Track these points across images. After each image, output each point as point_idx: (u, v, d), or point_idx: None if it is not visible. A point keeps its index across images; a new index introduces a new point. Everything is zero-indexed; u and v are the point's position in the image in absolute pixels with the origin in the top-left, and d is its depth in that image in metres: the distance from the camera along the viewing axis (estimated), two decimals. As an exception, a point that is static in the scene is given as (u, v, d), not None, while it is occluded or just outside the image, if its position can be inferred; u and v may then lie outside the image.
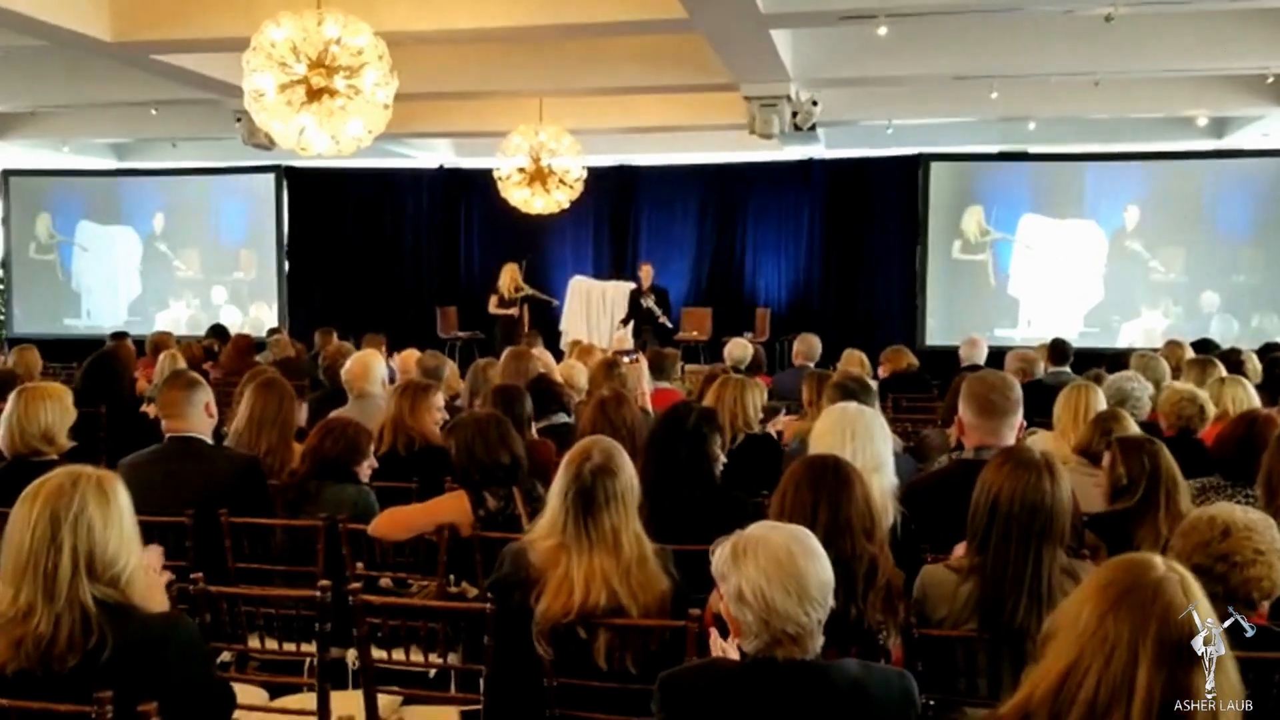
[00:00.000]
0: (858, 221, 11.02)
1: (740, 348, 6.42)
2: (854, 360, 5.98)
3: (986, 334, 8.02)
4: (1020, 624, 1.99)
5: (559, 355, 6.85)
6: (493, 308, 10.37)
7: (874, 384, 4.15)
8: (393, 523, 2.86)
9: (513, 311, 10.26)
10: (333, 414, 4.07)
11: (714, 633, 1.86)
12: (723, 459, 2.88)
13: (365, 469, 3.13)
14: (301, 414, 4.02)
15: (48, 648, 1.55)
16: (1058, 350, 6.11)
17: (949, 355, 7.53)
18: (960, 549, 2.21)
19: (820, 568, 1.61)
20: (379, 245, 12.04)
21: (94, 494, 1.60)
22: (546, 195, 8.77)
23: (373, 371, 4.35)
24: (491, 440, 2.87)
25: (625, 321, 10.03)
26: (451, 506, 2.84)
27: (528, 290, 10.32)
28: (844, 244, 11.08)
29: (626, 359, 4.89)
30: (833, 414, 2.68)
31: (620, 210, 11.67)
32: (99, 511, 1.59)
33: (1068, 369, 5.92)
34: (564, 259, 11.76)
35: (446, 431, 3.03)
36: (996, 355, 6.50)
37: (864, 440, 2.57)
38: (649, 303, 9.94)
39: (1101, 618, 1.21)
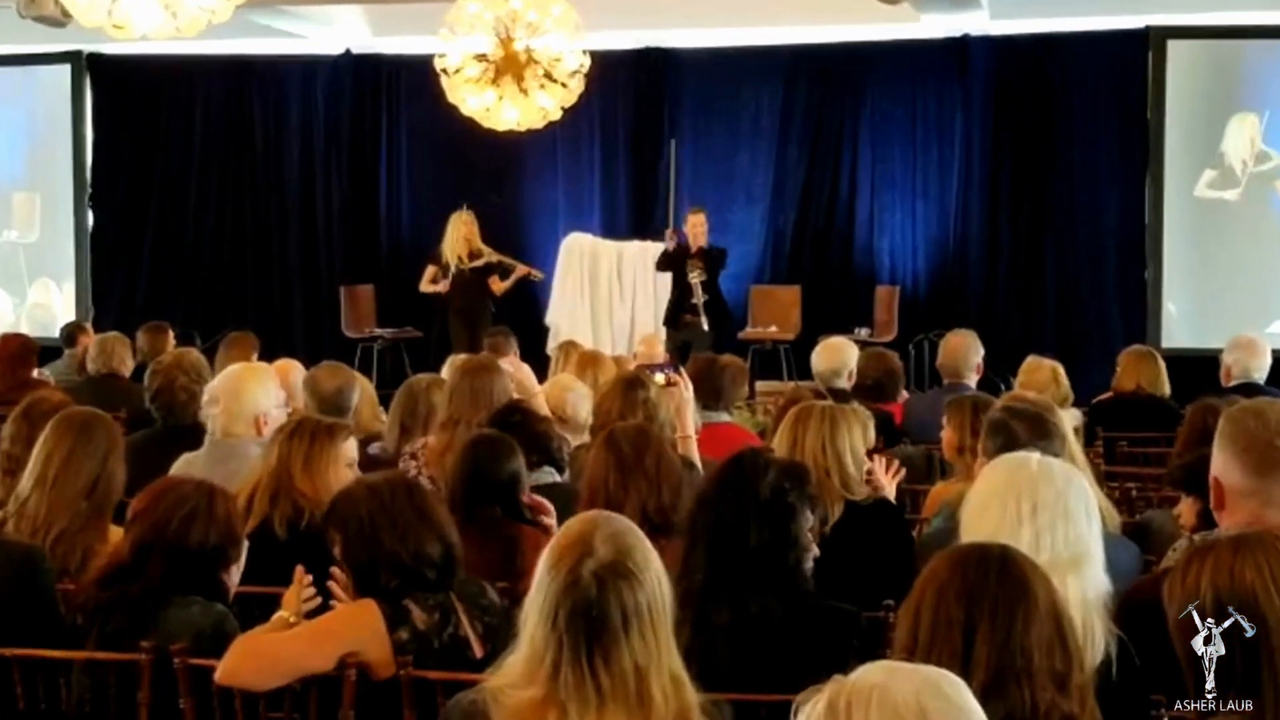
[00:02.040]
0: (1043, 140, 11.01)
1: (836, 353, 6.42)
2: (1040, 375, 5.99)
3: (1264, 329, 7.93)
4: None
5: (543, 367, 6.87)
6: (429, 284, 10.46)
7: (1073, 416, 4.12)
8: (254, 660, 2.86)
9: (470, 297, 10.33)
10: (175, 470, 4.10)
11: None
12: (815, 549, 2.90)
13: (234, 574, 3.17)
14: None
15: None
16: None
17: (1201, 366, 7.47)
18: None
19: (975, 739, 1.61)
20: (243, 186, 12.20)
21: None
22: (523, 100, 8.82)
23: (261, 400, 4.44)
24: (404, 520, 2.90)
25: (672, 315, 10.02)
26: (353, 627, 2.87)
27: (491, 257, 10.37)
28: (1021, 177, 11.09)
29: (658, 374, 4.88)
30: (999, 471, 2.69)
31: (646, 124, 11.75)
32: None
33: None
34: (551, 205, 11.89)
35: (326, 515, 3.04)
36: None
37: (1053, 516, 2.58)
38: (697, 276, 9.93)
39: None
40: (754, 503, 2.82)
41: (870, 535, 3.71)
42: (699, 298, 9.85)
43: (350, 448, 3.78)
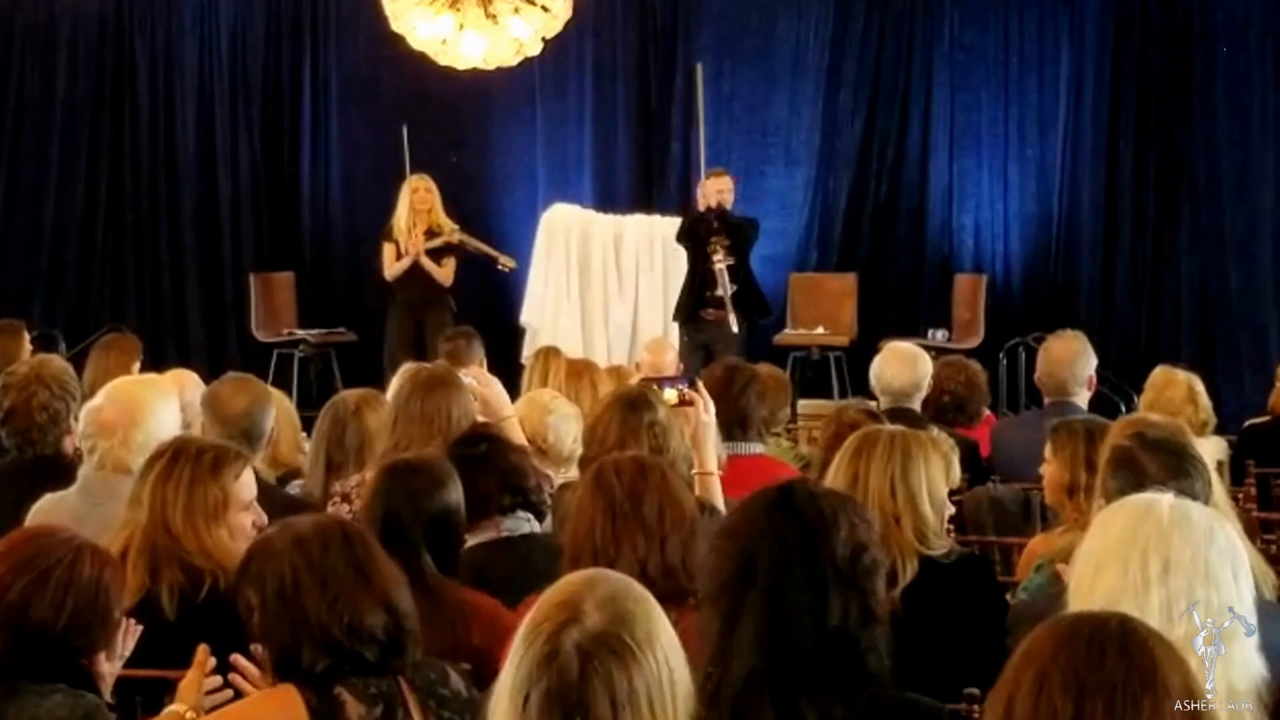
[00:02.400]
0: (1177, 86, 11.02)
1: (908, 363, 6.37)
2: (1172, 392, 6.02)
3: None
4: None
5: (515, 381, 6.87)
6: (394, 266, 10.33)
7: (1217, 446, 4.12)
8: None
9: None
10: (32, 516, 4.10)
11: None
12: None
13: (107, 663, 3.16)
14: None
15: None
16: None
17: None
18: None
19: None
20: (122, 151, 12.19)
21: None
22: (492, 28, 8.84)
23: (168, 425, 4.44)
24: (339, 579, 2.88)
25: (687, 309, 9.92)
26: (267, 721, 2.86)
27: (451, 235, 10.34)
28: (1148, 135, 11.10)
29: (669, 390, 4.88)
30: (1120, 518, 2.70)
31: (654, 62, 11.78)
32: None
33: None
34: (528, 169, 11.91)
35: (239, 573, 3.03)
36: None
37: (1190, 578, 2.58)
38: (722, 259, 9.78)
39: None
40: (832, 565, 2.70)
41: (952, 601, 3.70)
42: (725, 287, 9.55)
43: (246, 483, 3.76)
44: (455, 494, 3.76)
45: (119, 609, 3.18)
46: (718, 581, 2.72)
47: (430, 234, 10.24)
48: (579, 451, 4.88)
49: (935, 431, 4.42)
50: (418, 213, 10.24)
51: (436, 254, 10.25)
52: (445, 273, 10.27)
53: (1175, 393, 6.01)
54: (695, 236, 9.79)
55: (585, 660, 2.17)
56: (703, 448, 4.69)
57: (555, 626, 2.20)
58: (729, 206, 9.86)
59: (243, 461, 3.81)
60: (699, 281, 9.81)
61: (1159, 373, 6.25)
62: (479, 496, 4.02)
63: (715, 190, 9.84)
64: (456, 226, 10.36)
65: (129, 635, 3.22)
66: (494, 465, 4.13)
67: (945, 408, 6.30)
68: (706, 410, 4.79)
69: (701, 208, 9.83)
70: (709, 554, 2.83)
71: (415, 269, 10.19)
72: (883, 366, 6.37)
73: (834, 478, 3.84)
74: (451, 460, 4.01)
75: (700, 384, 4.96)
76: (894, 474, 3.77)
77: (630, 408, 4.63)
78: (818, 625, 2.65)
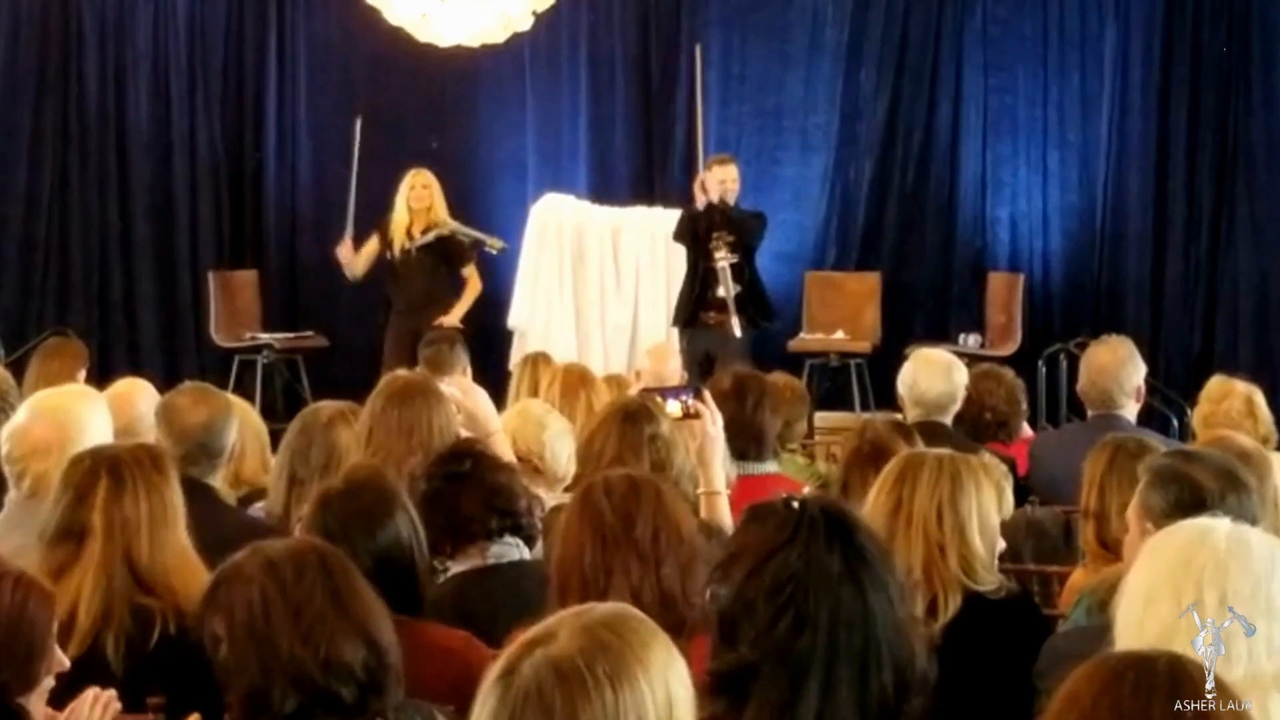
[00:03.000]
0: (1235, 65, 11.03)
1: (943, 372, 6.39)
2: (1230, 404, 6.00)
3: None
4: None
5: (501, 391, 6.87)
6: (345, 254, 10.34)
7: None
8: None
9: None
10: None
11: None
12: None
13: (37, 700, 3.15)
14: None
15: None
16: None
17: None
18: None
19: None
20: (68, 132, 12.13)
21: None
22: (477, 2, 8.84)
23: (96, 432, 4.44)
24: (314, 609, 2.88)
25: (688, 311, 9.95)
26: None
27: (443, 227, 10.26)
28: (1202, 119, 11.09)
29: (673, 402, 4.88)
30: (1170, 546, 2.70)
31: (656, 38, 11.82)
32: None
33: None
34: (517, 155, 11.93)
35: (204, 601, 3.02)
36: None
37: (1250, 612, 2.58)
38: (725, 256, 9.81)
39: None
40: (822, 589, 2.56)
41: (998, 642, 3.71)
42: (727, 287, 9.65)
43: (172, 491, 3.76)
44: (404, 522, 3.70)
45: (48, 643, 3.14)
46: (754, 630, 2.56)
47: (427, 229, 10.18)
48: (573, 471, 4.88)
49: (986, 456, 4.42)
50: (415, 211, 10.17)
51: (440, 250, 10.19)
52: (473, 283, 10.32)
53: (1233, 405, 5.99)
54: (695, 233, 9.83)
55: (533, 686, 2.12)
56: (709, 465, 4.68)
57: (521, 650, 2.16)
58: (733, 199, 9.90)
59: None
60: (699, 282, 9.86)
61: (1215, 383, 6.24)
62: (462, 520, 4.03)
63: (718, 181, 9.85)
64: (448, 218, 10.29)
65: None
66: (480, 486, 4.12)
67: (985, 425, 6.29)
68: (714, 423, 4.78)
69: (700, 201, 9.83)
70: (726, 582, 2.65)
71: (412, 270, 10.16)
72: (914, 374, 6.38)
73: (874, 504, 3.83)
74: (433, 479, 4.02)
75: (707, 395, 4.94)
76: (941, 500, 3.77)
77: (629, 420, 4.65)
78: (796, 662, 2.53)
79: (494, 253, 10.68)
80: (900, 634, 2.55)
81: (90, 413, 4.49)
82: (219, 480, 4.90)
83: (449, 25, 8.87)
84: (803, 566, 2.54)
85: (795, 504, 2.66)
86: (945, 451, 4.02)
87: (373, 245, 10.32)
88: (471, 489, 4.07)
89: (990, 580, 3.80)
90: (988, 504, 3.84)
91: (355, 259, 10.34)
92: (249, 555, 2.99)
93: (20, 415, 4.56)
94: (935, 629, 3.55)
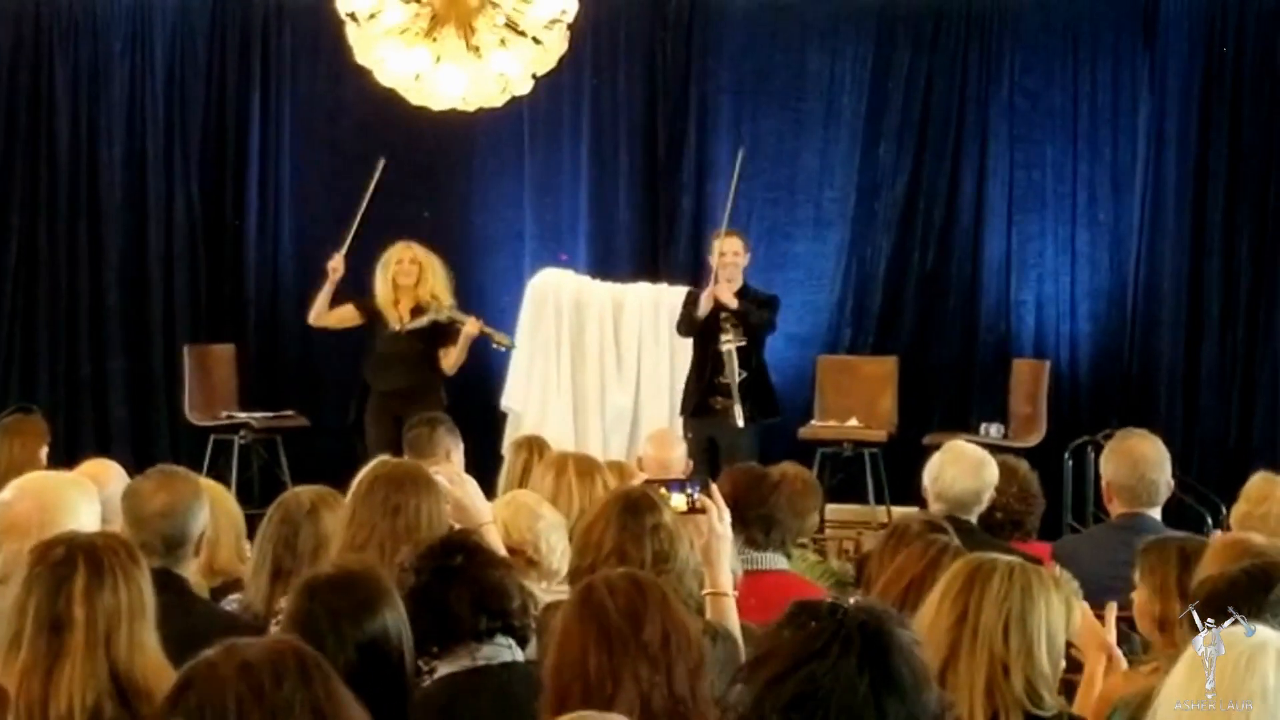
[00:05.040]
0: (1277, 135, 11.07)
1: (974, 468, 6.36)
2: (1274, 505, 5.96)
3: None
4: None
5: (492, 478, 6.84)
6: (319, 312, 10.29)
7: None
8: None
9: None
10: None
11: None
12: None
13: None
14: None
15: None
16: None
17: None
18: None
19: None
20: (36, 193, 12.13)
21: None
22: (474, 62, 8.86)
23: (82, 519, 4.46)
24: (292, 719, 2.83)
25: (695, 398, 9.93)
26: None
27: (438, 312, 10.14)
28: (1240, 196, 11.12)
29: (677, 494, 4.86)
30: (1216, 663, 2.75)
31: (663, 104, 11.85)
32: None
33: None
34: (513, 227, 11.97)
35: (170, 700, 2.97)
36: None
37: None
38: (731, 340, 9.81)
39: None
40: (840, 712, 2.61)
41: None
42: (733, 372, 9.66)
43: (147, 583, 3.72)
44: (393, 617, 3.71)
45: None
46: None
47: (416, 312, 10.06)
48: (566, 570, 4.85)
49: (1058, 570, 4.39)
50: (401, 288, 10.05)
51: (431, 336, 10.07)
52: (452, 359, 10.11)
53: (1272, 508, 5.93)
54: (699, 316, 9.79)
55: None
56: (715, 564, 4.67)
57: None
58: (737, 274, 9.90)
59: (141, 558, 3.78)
60: (709, 367, 9.85)
61: (1256, 481, 6.17)
62: (451, 618, 3.99)
63: (726, 254, 9.85)
64: (453, 302, 10.15)
65: None
66: (471, 583, 4.08)
67: (997, 524, 6.25)
68: (720, 520, 4.78)
69: (704, 307, 9.73)
70: (750, 683, 2.69)
71: (400, 353, 10.04)
72: (942, 468, 6.33)
73: (938, 609, 3.79)
74: (422, 573, 3.98)
75: (714, 488, 4.94)
76: (1010, 614, 3.73)
77: (630, 511, 4.61)
78: None
79: (501, 350, 10.57)
80: None
81: (79, 500, 4.50)
82: (191, 570, 4.86)
83: (443, 88, 8.85)
84: (827, 685, 2.53)
85: (839, 612, 2.66)
86: (1016, 560, 3.97)
87: (349, 315, 10.28)
88: (462, 586, 4.03)
89: (1052, 705, 3.75)
90: (1057, 621, 3.80)
91: (326, 310, 10.25)
92: (222, 655, 2.92)
93: (4, 492, 4.57)
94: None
